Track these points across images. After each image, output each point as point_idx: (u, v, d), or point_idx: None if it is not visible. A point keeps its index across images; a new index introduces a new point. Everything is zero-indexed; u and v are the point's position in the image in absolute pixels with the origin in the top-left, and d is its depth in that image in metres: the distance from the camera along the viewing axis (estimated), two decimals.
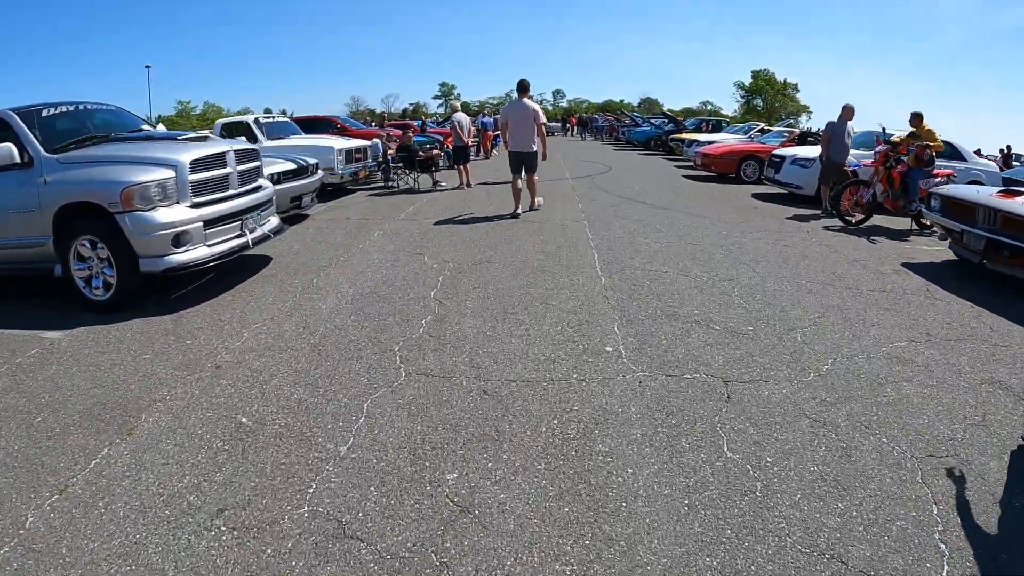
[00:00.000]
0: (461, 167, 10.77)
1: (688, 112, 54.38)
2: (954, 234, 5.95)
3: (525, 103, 7.75)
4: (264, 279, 5.04)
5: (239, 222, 4.77)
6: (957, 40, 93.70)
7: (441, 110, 77.55)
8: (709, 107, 69.19)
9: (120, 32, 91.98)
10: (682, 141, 18.63)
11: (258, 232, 4.96)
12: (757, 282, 4.87)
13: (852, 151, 8.97)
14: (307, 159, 7.87)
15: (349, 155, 9.97)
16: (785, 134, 13.72)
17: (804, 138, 13.45)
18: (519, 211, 7.87)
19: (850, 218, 7.86)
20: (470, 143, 11.18)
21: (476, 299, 4.34)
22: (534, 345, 3.48)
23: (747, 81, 61.05)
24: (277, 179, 6.91)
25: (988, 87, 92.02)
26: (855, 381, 3.17)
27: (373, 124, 22.23)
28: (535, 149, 7.78)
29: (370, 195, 10.28)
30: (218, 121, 10.71)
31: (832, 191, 8.59)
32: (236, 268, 5.18)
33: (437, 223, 7.45)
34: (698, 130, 20.99)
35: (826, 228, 7.53)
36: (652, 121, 27.47)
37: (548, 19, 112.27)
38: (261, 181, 5.40)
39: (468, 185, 10.74)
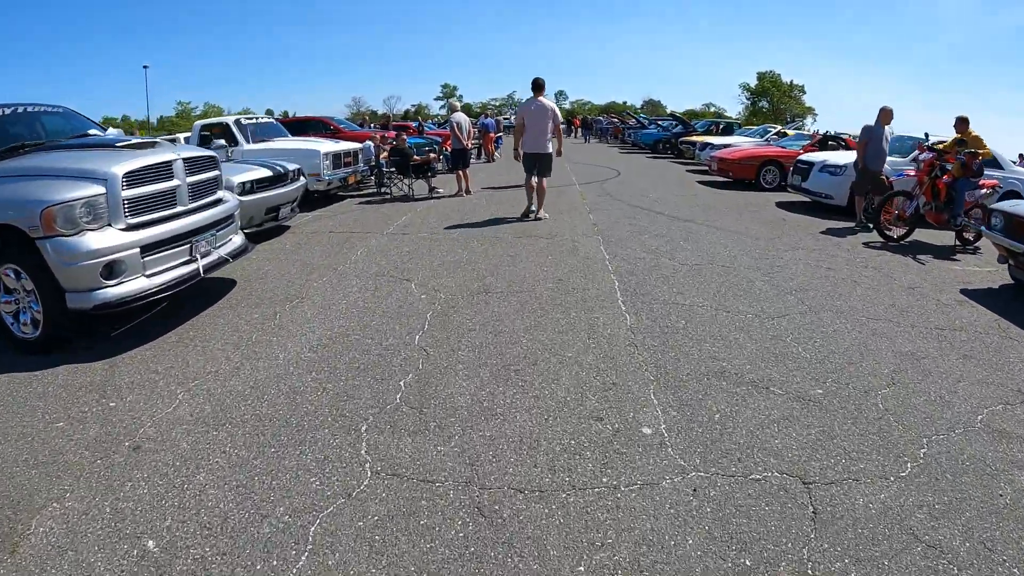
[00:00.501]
0: (460, 172, 9.96)
1: (691, 114, 53.40)
2: (1019, 257, 5.17)
3: (542, 102, 7.47)
4: (220, 312, 4.24)
5: (188, 245, 3.97)
6: (961, 41, 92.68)
7: (443, 111, 76.08)
8: (712, 109, 68.45)
9: (123, 32, 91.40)
10: (693, 144, 17.83)
11: (213, 256, 4.16)
12: (812, 320, 4.06)
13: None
14: (286, 165, 7.07)
15: (337, 159, 9.16)
16: (806, 138, 12.89)
17: (825, 142, 12.64)
18: (532, 208, 7.69)
19: (890, 233, 7.05)
20: (470, 146, 10.30)
21: (471, 347, 3.53)
22: (547, 425, 2.67)
23: (752, 83, 60.29)
24: (249, 188, 6.12)
25: (996, 89, 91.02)
26: (961, 474, 2.40)
27: (373, 126, 21.37)
28: (551, 150, 7.52)
29: (360, 203, 9.48)
30: (197, 123, 9.90)
31: (866, 201, 7.80)
32: (193, 294, 4.40)
33: (430, 238, 6.65)
34: (708, 132, 20.18)
35: (867, 245, 6.73)
36: (659, 123, 26.57)
37: (550, 20, 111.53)
38: (221, 194, 4.60)
39: (467, 192, 9.93)
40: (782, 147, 12.31)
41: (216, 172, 4.52)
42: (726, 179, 12.04)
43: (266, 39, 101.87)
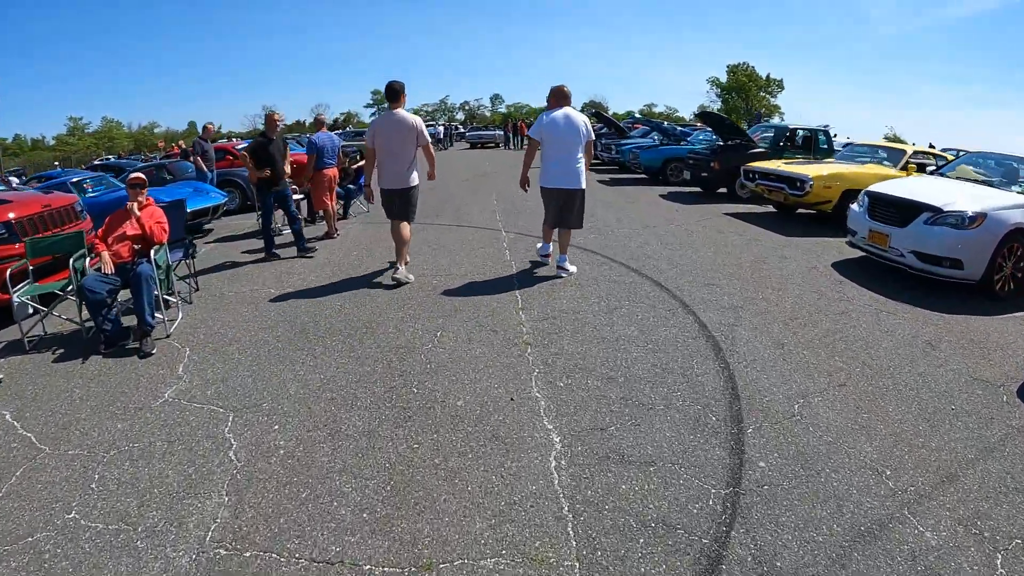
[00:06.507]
0: None
1: (631, 116, 42.98)
2: None
3: (400, 115, 4.94)
4: None
5: None
6: (893, 36, 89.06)
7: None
8: (657, 109, 61.84)
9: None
10: (797, 183, 8.05)
11: None
12: None
13: None
14: None
15: None
16: None
17: None
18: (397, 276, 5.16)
19: None
20: None
21: None
22: None
23: (723, 77, 52.20)
24: None
25: (921, 84, 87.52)
26: None
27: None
28: (414, 184, 5.10)
29: None
30: None
31: None
32: None
33: None
34: (780, 148, 10.58)
35: None
36: (663, 128, 16.47)
37: (481, 20, 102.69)
38: None
39: None
40: None
41: None
42: None
43: (191, 51, 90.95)
